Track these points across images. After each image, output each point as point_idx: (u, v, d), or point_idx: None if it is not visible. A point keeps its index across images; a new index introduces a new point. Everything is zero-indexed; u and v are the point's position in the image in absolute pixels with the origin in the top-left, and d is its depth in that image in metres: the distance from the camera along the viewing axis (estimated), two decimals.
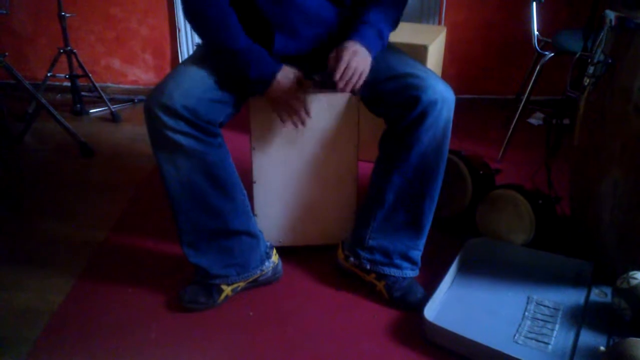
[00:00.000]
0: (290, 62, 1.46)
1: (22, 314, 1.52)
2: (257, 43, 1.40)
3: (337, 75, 1.36)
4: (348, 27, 1.44)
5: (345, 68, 1.36)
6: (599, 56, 1.46)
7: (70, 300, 1.57)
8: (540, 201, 1.72)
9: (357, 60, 1.37)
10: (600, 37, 1.48)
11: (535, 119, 2.84)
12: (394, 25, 1.49)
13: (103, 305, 1.56)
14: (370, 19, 1.43)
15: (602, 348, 1.29)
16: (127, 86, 3.20)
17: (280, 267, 1.64)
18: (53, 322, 1.49)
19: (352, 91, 1.41)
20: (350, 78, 1.37)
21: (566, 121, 2.09)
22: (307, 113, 1.48)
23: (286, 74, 1.41)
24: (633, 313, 1.38)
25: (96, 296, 1.59)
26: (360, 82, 1.40)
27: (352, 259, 1.59)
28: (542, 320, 1.46)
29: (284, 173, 1.65)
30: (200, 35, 1.41)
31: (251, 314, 1.53)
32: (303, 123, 1.49)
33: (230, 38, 1.36)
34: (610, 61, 1.42)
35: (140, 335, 1.45)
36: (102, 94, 2.83)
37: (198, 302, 1.52)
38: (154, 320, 1.50)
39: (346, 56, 1.36)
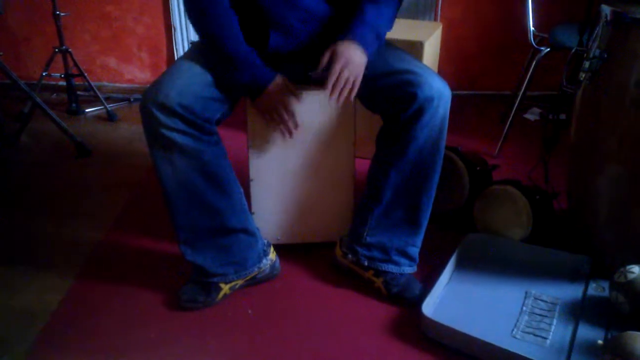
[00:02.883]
0: (286, 59, 1.46)
1: (20, 314, 1.52)
2: (253, 40, 1.40)
3: (329, 86, 1.35)
4: (343, 24, 1.43)
5: (337, 78, 1.35)
6: (594, 51, 1.46)
7: (69, 300, 1.57)
8: (537, 196, 1.72)
9: (350, 69, 1.35)
10: (596, 32, 1.48)
11: (532, 115, 2.84)
12: (390, 24, 1.48)
13: (101, 304, 1.56)
14: (368, 18, 1.40)
15: (599, 342, 1.29)
16: (123, 85, 3.19)
17: (278, 264, 1.64)
18: (51, 322, 1.49)
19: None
20: (342, 89, 1.36)
21: (563, 116, 2.09)
22: (295, 125, 1.47)
23: (278, 84, 1.41)
24: (630, 307, 1.38)
25: (94, 296, 1.59)
26: (354, 91, 1.38)
27: (350, 255, 1.60)
28: (539, 315, 1.47)
29: (281, 170, 1.65)
30: (199, 32, 1.40)
31: (250, 311, 1.53)
32: (290, 134, 1.48)
33: (229, 40, 1.36)
34: (606, 56, 1.42)
35: (139, 335, 1.45)
36: (98, 93, 2.82)
37: (196, 300, 1.52)
38: (153, 319, 1.50)
39: (338, 65, 1.34)
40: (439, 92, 1.37)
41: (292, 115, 1.46)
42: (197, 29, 1.40)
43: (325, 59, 1.37)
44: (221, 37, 1.36)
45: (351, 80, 1.36)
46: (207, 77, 1.38)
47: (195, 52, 1.47)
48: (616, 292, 1.41)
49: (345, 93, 1.36)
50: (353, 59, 1.35)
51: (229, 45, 1.36)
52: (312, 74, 1.52)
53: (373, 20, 1.41)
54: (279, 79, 1.41)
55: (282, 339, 1.44)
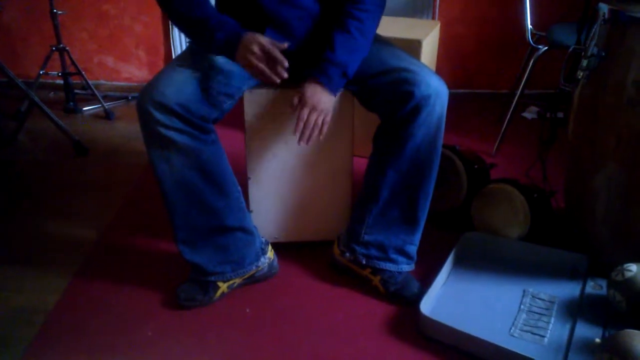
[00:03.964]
0: (286, 58, 1.45)
1: (17, 313, 1.52)
2: None
3: (296, 133, 1.39)
4: (334, 21, 1.42)
5: (305, 123, 1.38)
6: (592, 49, 1.46)
7: (66, 299, 1.57)
8: (535, 195, 1.72)
9: (318, 113, 1.38)
10: (594, 30, 1.48)
11: (530, 113, 2.84)
12: (366, 48, 1.44)
13: (99, 303, 1.56)
14: (337, 56, 1.38)
15: (597, 340, 1.29)
16: (120, 83, 3.18)
17: (276, 263, 1.64)
18: (49, 321, 1.49)
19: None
20: (310, 133, 1.39)
21: (560, 115, 2.09)
22: (281, 63, 1.33)
23: (253, 35, 1.34)
24: (628, 305, 1.39)
25: (92, 295, 1.59)
26: (324, 131, 1.41)
27: (347, 254, 1.60)
28: (537, 313, 1.47)
29: (279, 169, 1.65)
30: (167, 9, 1.40)
31: (247, 310, 1.53)
32: (279, 75, 1.35)
33: (199, 8, 1.35)
34: (603, 54, 1.42)
35: (137, 333, 1.45)
36: (96, 92, 2.82)
37: (194, 299, 1.52)
38: (150, 318, 1.50)
39: (305, 111, 1.37)
40: (436, 90, 1.37)
41: (271, 52, 1.33)
42: (171, 13, 1.40)
43: (295, 101, 1.39)
44: (190, 7, 1.35)
45: (319, 122, 1.39)
46: (205, 76, 1.37)
47: (193, 51, 1.47)
48: (614, 290, 1.41)
49: (314, 135, 1.40)
50: (320, 102, 1.38)
51: (199, 9, 1.35)
52: (308, 72, 1.51)
53: (342, 57, 1.39)
54: (254, 33, 1.35)
55: (279, 337, 1.44)
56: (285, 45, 1.36)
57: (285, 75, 1.35)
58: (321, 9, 1.45)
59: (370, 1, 1.41)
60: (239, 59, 1.36)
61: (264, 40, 1.33)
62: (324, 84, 1.38)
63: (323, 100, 1.39)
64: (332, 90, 1.40)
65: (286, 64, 1.34)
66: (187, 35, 1.46)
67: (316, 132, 1.40)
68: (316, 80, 1.39)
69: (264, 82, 1.38)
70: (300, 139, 1.40)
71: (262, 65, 1.33)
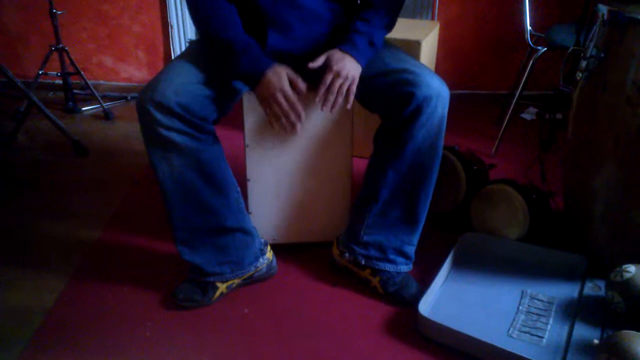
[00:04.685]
0: (285, 61, 1.45)
1: (15, 313, 1.52)
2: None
3: (318, 98, 1.37)
4: (343, 26, 1.43)
5: (329, 88, 1.36)
6: (591, 50, 1.46)
7: (64, 299, 1.57)
8: (534, 196, 1.72)
9: (342, 78, 1.36)
10: (593, 31, 1.48)
11: (529, 114, 2.84)
12: (388, 29, 1.47)
13: (97, 303, 1.55)
14: (363, 26, 1.40)
15: (595, 341, 1.29)
16: (119, 83, 3.18)
17: (274, 263, 1.64)
18: (47, 321, 1.48)
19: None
20: (335, 99, 1.37)
21: (559, 116, 2.10)
22: (299, 116, 1.39)
23: (278, 72, 1.35)
24: (626, 306, 1.39)
25: (90, 295, 1.59)
26: (350, 99, 1.39)
27: (347, 254, 1.60)
28: (536, 314, 1.47)
29: (278, 170, 1.65)
30: (197, 22, 1.40)
31: (246, 311, 1.53)
32: (293, 128, 1.40)
33: (228, 28, 1.35)
34: (602, 55, 1.43)
35: (135, 334, 1.44)
36: (95, 92, 2.81)
37: (193, 300, 1.52)
38: (149, 318, 1.50)
39: (329, 75, 1.36)
40: (437, 91, 1.37)
41: (293, 105, 1.37)
42: (197, 20, 1.39)
43: (319, 60, 1.37)
44: (220, 25, 1.35)
45: (344, 89, 1.37)
46: (205, 76, 1.37)
47: (193, 51, 1.46)
48: (612, 291, 1.42)
49: (339, 101, 1.37)
50: (345, 68, 1.36)
51: (229, 32, 1.35)
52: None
53: (367, 29, 1.40)
54: (279, 67, 1.36)
55: (278, 338, 1.44)
56: (305, 89, 1.37)
57: (300, 130, 1.39)
58: (328, 11, 1.45)
59: (379, 15, 1.42)
60: (258, 96, 1.39)
61: (287, 85, 1.35)
62: (351, 51, 1.37)
63: (348, 67, 1.36)
64: (360, 58, 1.38)
65: (304, 117, 1.38)
66: (209, 50, 1.43)
67: (340, 99, 1.38)
68: (341, 47, 1.37)
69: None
70: (323, 105, 1.37)
71: (281, 114, 1.37)
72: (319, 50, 1.41)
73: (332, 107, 1.38)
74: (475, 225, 1.79)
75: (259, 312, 1.52)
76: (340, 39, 1.40)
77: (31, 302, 1.55)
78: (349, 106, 1.40)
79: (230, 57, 1.35)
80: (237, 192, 1.51)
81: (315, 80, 1.40)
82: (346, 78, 1.36)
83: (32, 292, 1.59)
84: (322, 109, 1.38)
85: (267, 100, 1.37)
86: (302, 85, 1.38)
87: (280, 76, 1.35)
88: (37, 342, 1.42)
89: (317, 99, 1.37)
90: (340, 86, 1.36)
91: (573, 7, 2.40)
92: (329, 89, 1.36)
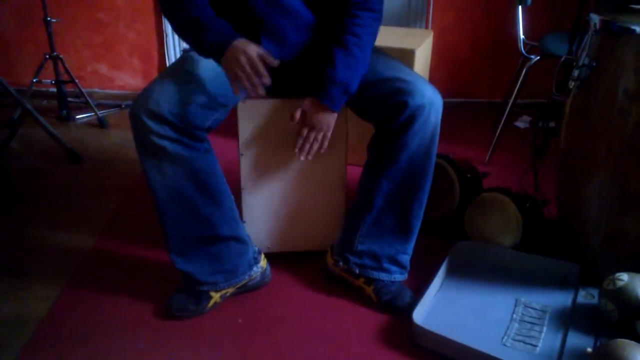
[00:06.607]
0: (279, 68, 1.45)
1: (8, 322, 1.51)
2: None
3: (296, 149, 1.45)
4: (332, 35, 1.43)
5: (304, 140, 1.44)
6: (583, 59, 1.47)
7: (57, 308, 1.56)
8: (527, 204, 1.73)
9: (317, 130, 1.43)
10: (585, 40, 1.49)
11: (522, 122, 2.86)
12: (365, 64, 1.43)
13: (90, 313, 1.54)
14: (337, 74, 1.38)
15: (589, 349, 1.30)
16: (114, 91, 3.18)
17: (268, 272, 1.64)
18: (39, 330, 1.47)
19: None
20: (310, 148, 1.45)
21: (552, 124, 2.10)
22: (260, 77, 1.34)
23: (244, 42, 1.34)
24: (620, 314, 1.39)
25: (83, 304, 1.58)
26: (324, 146, 1.47)
27: (341, 263, 1.59)
28: (529, 322, 1.47)
29: (272, 179, 1.65)
30: (166, 7, 1.40)
31: (240, 320, 1.52)
32: (255, 89, 1.35)
33: (196, 6, 1.35)
34: (594, 64, 1.44)
35: (129, 344, 1.44)
36: (89, 100, 2.81)
37: (186, 309, 1.51)
38: (142, 327, 1.49)
39: (305, 129, 1.43)
40: (431, 100, 1.38)
41: (255, 67, 1.33)
42: (166, 4, 1.40)
43: (296, 116, 1.41)
44: (189, 4, 1.35)
45: (319, 138, 1.45)
46: (198, 85, 1.38)
47: (187, 60, 1.46)
48: (605, 299, 1.42)
49: (313, 151, 1.46)
50: (321, 121, 1.42)
51: (196, 9, 1.35)
52: (304, 83, 1.51)
53: (343, 75, 1.38)
54: (246, 41, 1.35)
55: (272, 347, 1.43)
56: (277, 62, 1.37)
57: (263, 92, 1.38)
58: (315, 18, 1.45)
59: (367, 15, 1.41)
60: (223, 63, 1.36)
61: (253, 51, 1.33)
62: (326, 103, 1.40)
63: (324, 119, 1.42)
64: (335, 107, 1.42)
65: (268, 81, 1.36)
66: (180, 34, 1.45)
67: (316, 146, 1.45)
68: (318, 100, 1.40)
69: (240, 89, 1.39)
70: (300, 154, 1.45)
71: (243, 76, 1.34)
72: (307, 56, 1.43)
73: (308, 154, 1.46)
74: (469, 233, 1.80)
75: (253, 321, 1.52)
76: (316, 86, 1.41)
77: (24, 311, 1.54)
78: (322, 151, 1.48)
79: (198, 31, 1.36)
80: (231, 200, 1.51)
81: (300, 83, 1.42)
82: (320, 129, 1.44)
83: (25, 300, 1.59)
84: (299, 158, 1.47)
85: (231, 65, 1.34)
86: (272, 60, 1.37)
87: (246, 44, 1.34)
88: (29, 351, 1.41)
89: (296, 149, 1.46)
90: (316, 136, 1.44)
91: (566, 16, 2.41)
92: (305, 141, 1.44)
